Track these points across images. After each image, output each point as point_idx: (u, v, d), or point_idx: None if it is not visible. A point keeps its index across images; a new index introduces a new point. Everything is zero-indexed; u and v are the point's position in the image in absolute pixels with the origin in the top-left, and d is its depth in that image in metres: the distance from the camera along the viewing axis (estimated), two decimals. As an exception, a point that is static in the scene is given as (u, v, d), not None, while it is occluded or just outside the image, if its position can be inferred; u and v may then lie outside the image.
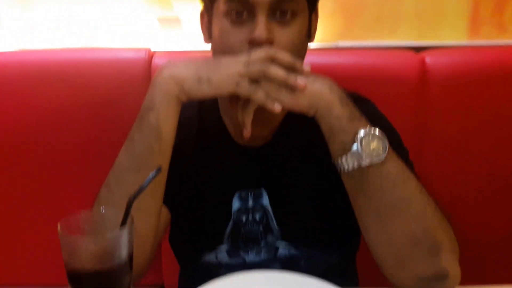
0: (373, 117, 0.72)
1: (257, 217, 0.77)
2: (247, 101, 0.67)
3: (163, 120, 0.67)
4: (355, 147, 0.64)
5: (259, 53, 0.65)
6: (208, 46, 0.76)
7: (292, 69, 0.66)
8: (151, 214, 0.70)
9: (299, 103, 0.66)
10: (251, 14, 0.68)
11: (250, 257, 0.77)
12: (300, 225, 0.77)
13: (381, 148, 0.64)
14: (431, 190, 0.70)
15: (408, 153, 0.78)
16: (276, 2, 0.68)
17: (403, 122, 0.83)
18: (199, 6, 0.78)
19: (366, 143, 0.64)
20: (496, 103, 1.01)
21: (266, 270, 0.70)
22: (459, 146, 1.02)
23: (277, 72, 0.65)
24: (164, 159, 0.68)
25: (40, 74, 1.03)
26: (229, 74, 0.65)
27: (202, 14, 0.77)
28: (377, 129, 0.66)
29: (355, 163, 0.65)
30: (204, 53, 0.80)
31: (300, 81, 0.65)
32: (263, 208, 0.77)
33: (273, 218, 0.77)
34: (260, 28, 0.66)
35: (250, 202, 0.77)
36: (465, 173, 1.03)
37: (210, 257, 0.78)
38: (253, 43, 0.67)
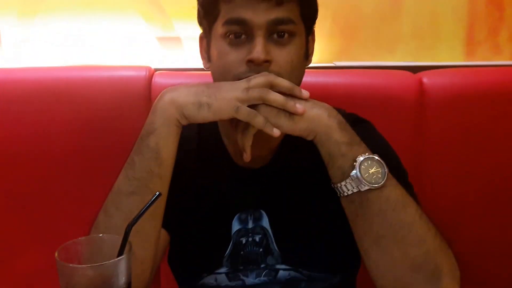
0: (372, 139, 0.73)
1: (257, 238, 0.77)
2: (246, 125, 0.68)
3: (163, 144, 0.68)
4: (354, 172, 0.65)
5: (258, 79, 0.66)
6: (208, 68, 0.77)
7: (290, 94, 0.67)
8: (150, 239, 0.70)
9: (297, 127, 0.67)
10: (249, 35, 0.69)
11: (250, 279, 0.77)
12: (300, 247, 0.77)
13: (380, 174, 0.65)
14: (430, 209, 0.70)
15: (407, 175, 0.78)
16: (273, 24, 0.69)
17: (400, 142, 0.84)
18: (199, 28, 0.79)
19: (365, 169, 0.65)
20: (493, 122, 1.02)
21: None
22: (458, 165, 1.03)
23: (276, 97, 0.66)
24: (163, 183, 0.69)
25: (40, 91, 1.03)
26: (228, 99, 0.66)
27: (201, 38, 0.79)
28: (376, 155, 0.66)
29: (354, 188, 0.65)
30: (204, 72, 0.82)
31: (299, 106, 0.66)
32: (263, 229, 0.77)
33: (273, 240, 0.77)
34: (258, 48, 0.68)
35: (250, 224, 0.77)
36: (464, 191, 1.03)
37: (209, 280, 0.78)
38: (251, 64, 0.68)
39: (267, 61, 0.68)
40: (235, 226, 0.77)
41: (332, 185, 0.69)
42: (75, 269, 0.52)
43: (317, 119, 0.67)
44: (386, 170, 0.66)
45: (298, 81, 0.73)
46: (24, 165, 1.03)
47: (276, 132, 0.66)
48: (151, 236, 0.70)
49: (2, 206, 1.04)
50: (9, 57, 1.16)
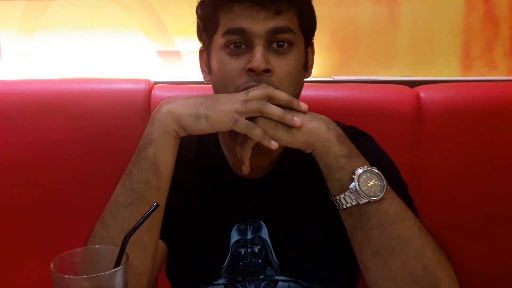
0: (372, 152, 0.73)
1: (256, 249, 0.76)
2: (245, 137, 0.68)
3: (161, 156, 0.68)
4: (352, 185, 0.65)
5: (257, 91, 0.67)
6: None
7: (289, 107, 0.68)
8: (148, 250, 0.69)
9: (296, 140, 0.67)
10: (249, 45, 0.70)
11: (249, 291, 0.76)
12: (300, 258, 0.76)
13: (379, 186, 0.65)
14: (427, 222, 0.70)
15: (407, 188, 0.78)
16: (273, 33, 0.70)
17: (398, 155, 0.84)
18: (199, 42, 0.79)
19: (364, 181, 0.65)
20: (489, 136, 1.03)
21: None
22: (455, 179, 1.03)
23: (274, 110, 0.66)
24: (161, 194, 0.69)
25: (40, 103, 1.03)
26: (226, 111, 0.66)
27: (201, 52, 0.80)
28: (375, 168, 0.67)
29: (353, 201, 0.65)
30: (203, 85, 0.82)
31: (297, 119, 0.67)
32: (262, 240, 0.77)
33: (273, 251, 0.76)
34: (258, 58, 0.68)
35: (249, 235, 0.77)
36: (462, 204, 1.03)
37: (207, 291, 0.77)
38: (252, 73, 0.69)
39: (267, 71, 0.69)
40: (234, 236, 0.77)
41: (330, 197, 0.69)
42: (70, 280, 0.52)
43: (315, 132, 0.67)
44: (385, 182, 0.66)
45: (297, 92, 0.74)
46: (22, 177, 1.02)
47: (274, 145, 0.67)
48: (148, 247, 0.69)
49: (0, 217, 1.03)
50: (9, 70, 1.17)
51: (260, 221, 0.77)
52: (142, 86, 1.03)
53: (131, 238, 0.54)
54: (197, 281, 0.77)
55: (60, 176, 1.02)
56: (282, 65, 0.70)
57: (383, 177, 0.66)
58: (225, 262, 0.76)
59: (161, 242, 0.75)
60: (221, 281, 0.77)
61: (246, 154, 0.69)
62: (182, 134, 0.69)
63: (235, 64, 0.70)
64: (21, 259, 1.04)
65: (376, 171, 0.66)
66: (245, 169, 0.70)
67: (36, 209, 1.03)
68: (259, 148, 0.69)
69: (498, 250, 1.05)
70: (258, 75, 0.68)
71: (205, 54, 0.77)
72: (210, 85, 0.77)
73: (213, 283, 0.77)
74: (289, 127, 0.67)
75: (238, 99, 0.67)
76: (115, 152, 1.00)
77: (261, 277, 0.76)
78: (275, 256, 0.76)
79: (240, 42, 0.70)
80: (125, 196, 0.68)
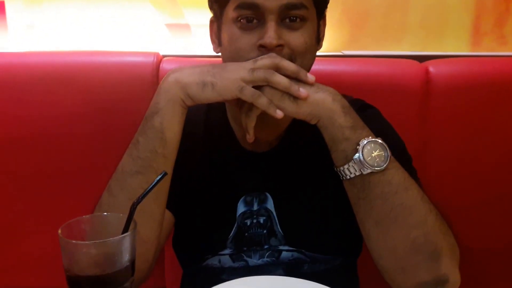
0: (378, 124, 0.73)
1: (261, 220, 0.77)
2: (251, 106, 0.68)
3: (168, 125, 0.68)
4: (357, 155, 0.65)
5: (264, 61, 0.67)
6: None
7: (296, 78, 0.67)
8: (154, 219, 0.70)
9: (301, 111, 0.67)
10: (261, 20, 0.69)
11: (253, 260, 0.77)
12: (304, 229, 0.77)
13: (383, 157, 0.65)
14: (433, 197, 0.71)
15: (411, 160, 0.78)
16: (286, 9, 0.69)
17: (406, 129, 0.84)
18: (209, 14, 0.79)
19: (368, 152, 0.65)
20: (497, 111, 1.02)
21: (269, 275, 0.70)
22: (461, 154, 1.03)
23: (280, 80, 0.66)
24: (168, 163, 0.69)
25: (47, 76, 1.03)
26: (233, 79, 0.66)
27: (211, 22, 0.79)
28: (379, 138, 0.67)
29: (357, 171, 0.66)
30: (212, 59, 0.81)
31: (302, 90, 0.66)
32: (268, 211, 0.77)
33: (277, 222, 0.77)
34: (270, 33, 0.67)
35: (255, 206, 0.78)
36: (468, 179, 1.03)
37: (213, 261, 0.78)
38: (263, 49, 0.68)
39: (280, 46, 0.68)
40: (240, 208, 0.78)
41: (335, 168, 0.69)
42: (78, 246, 0.51)
43: (321, 103, 0.67)
44: (389, 153, 0.66)
45: (309, 65, 0.73)
46: (31, 149, 1.03)
47: (279, 114, 0.66)
48: (155, 216, 0.70)
49: (9, 187, 1.05)
50: (16, 42, 1.16)
51: (266, 193, 0.78)
52: (151, 59, 1.03)
53: (138, 206, 0.54)
54: (203, 252, 0.79)
55: (67, 148, 1.03)
56: (295, 39, 0.69)
57: (387, 148, 0.66)
58: (231, 233, 0.77)
59: (168, 213, 0.76)
60: (227, 251, 0.78)
61: (251, 123, 0.69)
62: (189, 103, 0.68)
63: (247, 39, 0.69)
64: (30, 230, 1.06)
65: (380, 141, 0.66)
66: (250, 137, 0.70)
67: (44, 180, 1.04)
68: (265, 119, 0.69)
69: (501, 220, 1.05)
70: (271, 50, 0.68)
71: (216, 25, 0.76)
72: (220, 59, 0.76)
73: (218, 253, 0.78)
74: (295, 98, 0.67)
75: (245, 67, 0.67)
76: (122, 125, 0.99)
77: (265, 247, 0.77)
78: (280, 226, 0.77)
79: (252, 17, 0.69)
80: (132, 165, 0.68)
